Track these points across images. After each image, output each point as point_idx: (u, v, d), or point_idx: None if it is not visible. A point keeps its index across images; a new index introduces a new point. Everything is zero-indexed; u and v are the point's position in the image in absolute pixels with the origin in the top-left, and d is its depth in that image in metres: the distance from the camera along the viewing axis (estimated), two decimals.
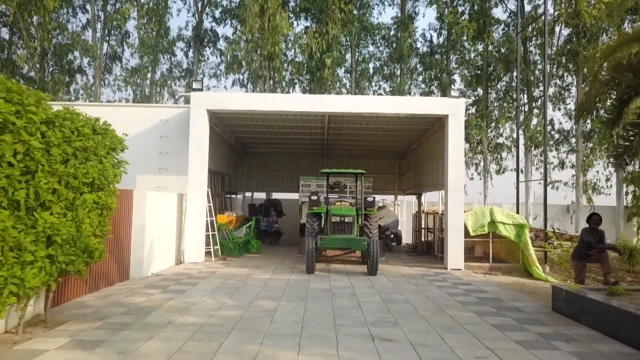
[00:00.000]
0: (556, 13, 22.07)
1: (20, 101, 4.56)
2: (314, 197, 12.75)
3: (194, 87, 13.22)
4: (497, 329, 6.57)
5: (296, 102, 13.88)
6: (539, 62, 23.09)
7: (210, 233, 13.69)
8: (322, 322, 6.68)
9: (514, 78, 21.08)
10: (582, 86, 21.25)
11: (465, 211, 13.52)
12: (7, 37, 23.62)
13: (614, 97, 7.20)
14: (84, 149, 5.89)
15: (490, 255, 13.81)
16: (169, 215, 12.53)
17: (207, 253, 13.59)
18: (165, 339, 5.68)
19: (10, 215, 4.72)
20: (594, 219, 8.91)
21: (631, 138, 6.84)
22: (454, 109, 13.12)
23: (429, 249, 17.10)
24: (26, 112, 4.64)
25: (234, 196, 21.91)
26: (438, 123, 14.82)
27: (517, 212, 16.47)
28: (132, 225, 10.35)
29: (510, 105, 21.74)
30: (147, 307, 7.35)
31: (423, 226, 18.03)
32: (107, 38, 24.83)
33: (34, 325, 6.12)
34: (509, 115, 22.96)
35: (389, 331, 6.29)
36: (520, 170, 23.84)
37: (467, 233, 13.42)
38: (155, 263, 11.31)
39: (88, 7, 24.69)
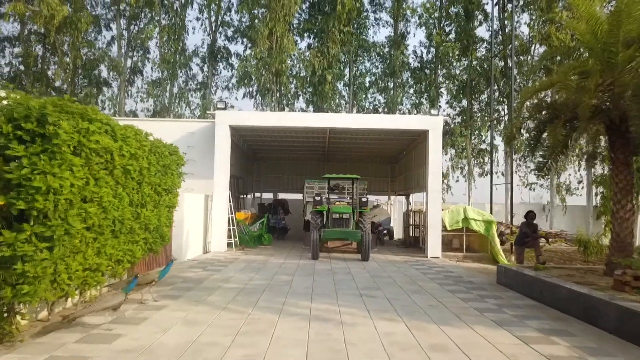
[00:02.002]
0: (531, 34, 24.81)
1: (141, 140, 7.27)
2: (318, 198, 15.46)
3: (218, 106, 15.92)
4: (450, 292, 9.28)
5: (302, 119, 16.64)
6: (517, 77, 25.81)
7: (230, 227, 16.39)
8: (326, 288, 9.40)
9: (494, 92, 23.79)
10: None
11: (443, 209, 16.25)
12: (39, 52, 26.30)
13: (533, 127, 9.93)
14: (164, 166, 8.60)
15: (464, 246, 16.52)
16: (198, 213, 15.22)
17: (228, 244, 16.27)
18: (221, 295, 8.38)
19: (129, 211, 7.42)
20: (530, 215, 11.71)
21: (547, 157, 9.56)
22: (433, 125, 15.85)
23: (415, 242, 19.81)
24: (142, 146, 7.35)
25: (244, 196, 24.59)
26: (423, 135, 17.51)
27: (491, 211, 19.23)
28: (173, 220, 13.02)
29: (487, 117, 24.45)
30: (198, 279, 10.07)
31: (411, 223, 20.74)
32: (131, 54, 27.57)
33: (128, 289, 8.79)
34: (489, 124, 25.69)
35: (373, 292, 9.02)
36: (501, 173, 26.60)
37: (445, 228, 16.14)
38: (190, 251, 14.00)
39: (111, 25, 27.45)
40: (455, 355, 5.33)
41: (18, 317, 5.58)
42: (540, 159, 9.86)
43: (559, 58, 24.47)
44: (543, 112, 9.40)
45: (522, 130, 10.47)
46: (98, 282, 6.82)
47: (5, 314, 5.40)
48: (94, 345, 5.36)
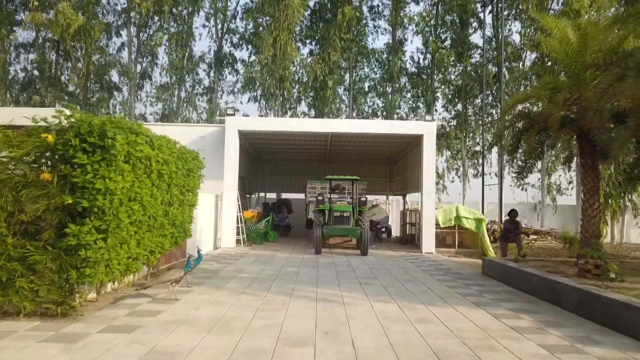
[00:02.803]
0: (522, 42, 26.03)
1: (171, 148, 8.47)
2: (320, 198, 16.67)
3: (228, 112, 17.12)
4: (439, 281, 10.48)
5: (306, 125, 17.86)
6: (509, 83, 27.01)
7: (239, 225, 17.59)
8: (329, 277, 10.60)
9: (487, 97, 24.94)
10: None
11: (437, 208, 17.45)
12: (53, 58, 27.50)
13: (512, 135, 11.15)
14: (188, 169, 9.80)
15: (456, 243, 17.73)
16: (210, 211, 16.41)
17: (237, 241, 17.46)
18: (238, 282, 9.58)
19: (161, 208, 8.61)
20: (513, 213, 12.95)
21: (525, 161, 10.78)
22: (427, 130, 17.05)
23: (412, 239, 21.00)
24: (172, 153, 8.55)
25: (249, 196, 25.79)
26: (418, 139, 18.70)
27: (483, 211, 20.44)
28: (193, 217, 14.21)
29: (480, 121, 25.67)
30: (215, 270, 11.27)
31: (407, 221, 21.94)
32: (140, 60, 28.78)
33: (152, 277, 9.98)
34: (482, 128, 26.90)
35: (370, 281, 10.23)
36: (494, 174, 27.78)
37: (439, 226, 17.34)
38: (202, 246, 15.16)
39: (121, 32, 28.66)
40: (436, 326, 6.53)
41: (77, 296, 6.78)
42: (519, 163, 11.07)
43: (549, 63, 25.67)
44: (521, 122, 10.62)
45: (506, 137, 11.66)
46: (137, 269, 8.04)
47: (68, 293, 6.59)
48: (142, 318, 6.56)
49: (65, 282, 6.51)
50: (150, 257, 8.57)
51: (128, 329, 6.01)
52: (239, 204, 17.62)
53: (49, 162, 6.56)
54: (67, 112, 6.51)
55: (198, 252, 9.41)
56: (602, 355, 5.43)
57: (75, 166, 6.29)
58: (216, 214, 17.11)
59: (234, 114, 17.26)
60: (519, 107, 11.06)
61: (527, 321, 6.96)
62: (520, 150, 10.85)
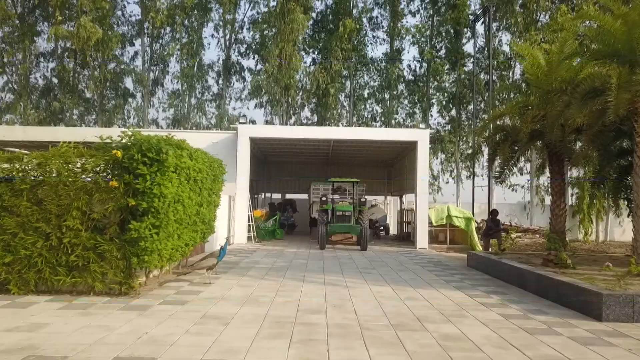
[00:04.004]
0: (512, 53, 27.75)
1: (204, 158, 10.18)
2: (324, 198, 18.40)
3: (240, 121, 18.85)
4: (428, 271, 12.19)
5: (311, 132, 19.63)
6: (500, 90, 28.75)
7: (249, 223, 19.30)
8: (333, 267, 12.32)
9: (478, 103, 26.66)
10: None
11: (430, 208, 19.17)
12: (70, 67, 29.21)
13: (490, 146, 12.88)
14: (214, 175, 11.52)
15: (448, 239, 19.45)
16: (224, 211, 18.09)
17: (248, 237, 19.16)
18: (257, 270, 11.29)
19: (195, 209, 10.32)
20: (494, 212, 14.71)
21: (503, 168, 12.51)
22: (421, 137, 18.77)
23: (408, 237, 22.71)
24: (204, 162, 10.27)
25: (256, 197, 27.49)
26: (413, 144, 20.42)
27: (473, 211, 22.16)
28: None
29: (472, 127, 27.39)
30: (234, 262, 12.98)
31: (404, 220, 23.67)
32: (153, 68, 30.51)
33: (184, 267, 11.69)
34: (475, 132, 28.61)
35: (369, 270, 11.95)
36: (486, 175, 29.41)
37: (432, 224, 19.05)
38: (218, 242, 16.88)
39: (134, 41, 30.38)
40: (421, 302, 8.24)
41: (135, 278, 8.47)
42: (498, 168, 12.82)
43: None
44: (498, 135, 12.34)
45: (487, 146, 13.38)
46: (177, 259, 9.75)
47: (128, 276, 8.28)
48: (188, 295, 8.27)
49: (126, 267, 8.20)
50: (186, 249, 10.28)
51: (180, 302, 7.72)
52: (249, 204, 19.32)
53: (113, 172, 8.26)
54: (129, 132, 8.22)
55: (225, 240, 11.10)
56: (545, 320, 7.14)
57: (137, 175, 7.98)
58: (229, 213, 18.80)
59: (245, 122, 18.95)
60: (505, 121, 12.79)
61: (495, 299, 8.67)
62: (497, 159, 12.55)
